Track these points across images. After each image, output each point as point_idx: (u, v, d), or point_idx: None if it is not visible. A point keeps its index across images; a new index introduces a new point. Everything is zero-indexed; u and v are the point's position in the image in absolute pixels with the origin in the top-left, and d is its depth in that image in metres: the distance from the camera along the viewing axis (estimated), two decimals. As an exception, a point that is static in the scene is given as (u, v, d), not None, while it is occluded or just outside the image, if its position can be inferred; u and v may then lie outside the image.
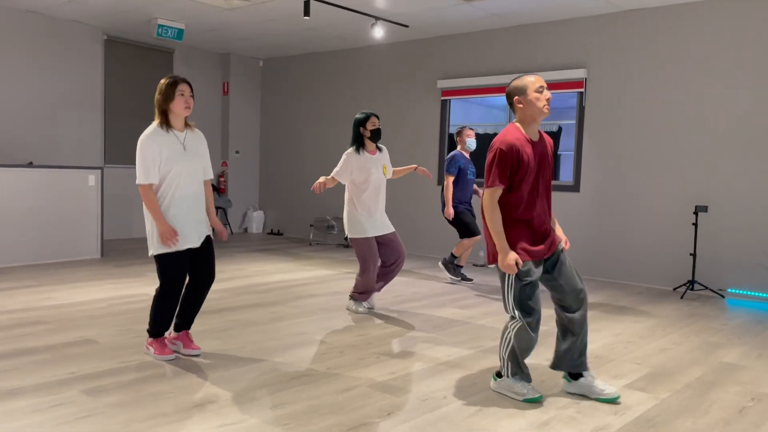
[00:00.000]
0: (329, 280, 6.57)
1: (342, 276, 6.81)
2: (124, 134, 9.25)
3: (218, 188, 10.60)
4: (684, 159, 6.65)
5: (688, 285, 6.32)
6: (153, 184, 3.57)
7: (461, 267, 6.70)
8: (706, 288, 6.31)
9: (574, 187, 7.42)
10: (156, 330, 3.75)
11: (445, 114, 8.60)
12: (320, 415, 2.95)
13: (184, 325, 3.84)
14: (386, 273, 5.13)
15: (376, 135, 5.00)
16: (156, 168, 3.56)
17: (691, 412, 3.15)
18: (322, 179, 4.77)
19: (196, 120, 10.19)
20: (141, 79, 9.54)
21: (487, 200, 3.14)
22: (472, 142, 6.52)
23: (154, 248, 3.61)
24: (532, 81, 3.17)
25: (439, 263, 6.80)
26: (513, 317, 3.19)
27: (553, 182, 7.38)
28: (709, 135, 6.50)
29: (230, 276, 6.58)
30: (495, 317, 5.09)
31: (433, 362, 3.84)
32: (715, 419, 3.07)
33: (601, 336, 4.61)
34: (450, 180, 6.32)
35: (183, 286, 3.68)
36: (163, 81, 3.62)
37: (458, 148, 6.54)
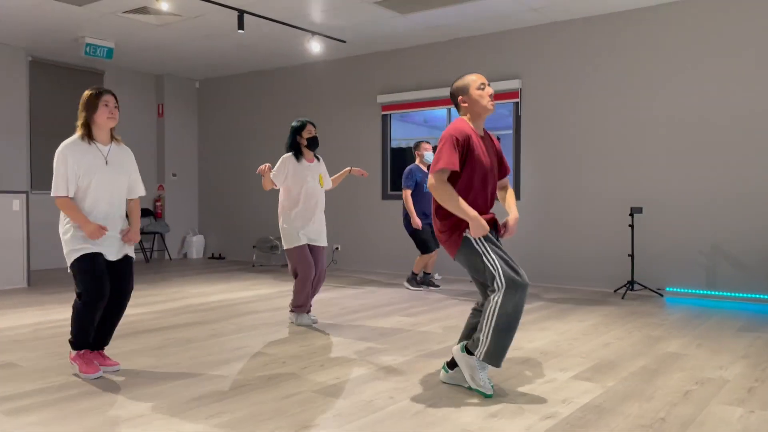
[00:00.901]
0: (272, 297, 6.39)
1: (285, 293, 6.64)
2: (51, 159, 8.85)
3: (155, 213, 10.26)
4: (618, 162, 6.83)
5: (627, 286, 6.43)
6: (68, 196, 3.43)
7: (429, 274, 6.92)
8: (646, 288, 6.44)
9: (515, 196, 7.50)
10: (79, 340, 3.51)
11: (386, 129, 8.61)
12: (261, 421, 2.80)
13: (99, 343, 3.61)
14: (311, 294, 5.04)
15: (312, 143, 4.94)
16: (72, 180, 3.43)
17: (637, 397, 3.15)
18: (265, 165, 4.72)
19: (130, 143, 9.88)
20: (69, 102, 9.19)
21: (435, 180, 3.08)
22: (429, 155, 6.65)
23: (70, 257, 3.43)
24: (473, 79, 3.25)
25: (404, 283, 6.94)
26: (495, 289, 3.05)
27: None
28: (641, 137, 6.70)
29: (168, 298, 6.32)
30: (440, 323, 5.04)
31: (378, 367, 3.74)
32: (661, 403, 3.07)
33: (546, 334, 4.61)
34: (408, 193, 6.48)
35: (104, 291, 3.41)
36: (87, 92, 3.53)
37: (416, 161, 6.69)
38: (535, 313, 5.49)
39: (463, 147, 3.14)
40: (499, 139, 10.58)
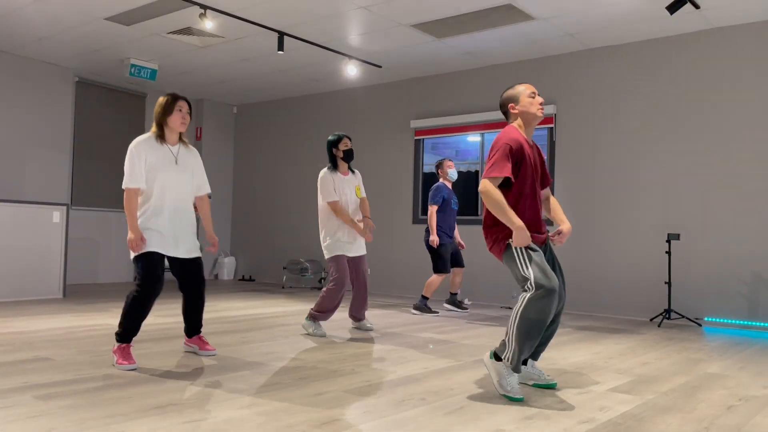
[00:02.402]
0: (302, 313, 6.38)
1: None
2: (92, 177, 9.10)
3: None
4: (655, 187, 6.73)
5: (664, 314, 6.26)
6: (139, 189, 3.64)
7: (456, 294, 6.80)
8: (683, 317, 6.26)
9: (547, 221, 7.43)
10: (124, 334, 3.65)
11: (419, 153, 8.66)
12: (290, 414, 2.76)
13: (192, 330, 4.03)
14: (358, 298, 5.17)
15: (348, 155, 5.06)
16: (142, 173, 3.64)
17: (678, 410, 3.03)
18: (354, 225, 4.95)
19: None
20: (112, 122, 9.49)
21: (486, 185, 3.10)
22: (453, 173, 6.67)
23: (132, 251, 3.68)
24: (523, 89, 3.33)
25: (412, 310, 6.69)
26: (526, 289, 3.07)
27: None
28: (679, 162, 6.61)
29: (199, 310, 6.35)
30: (472, 339, 4.96)
31: (410, 372, 3.68)
32: (703, 415, 2.96)
33: (581, 353, 4.50)
34: (434, 209, 6.44)
35: (155, 291, 3.61)
36: (163, 97, 3.78)
37: (440, 180, 6.68)
38: (567, 335, 5.38)
39: (517, 155, 3.17)
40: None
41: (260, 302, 7.29)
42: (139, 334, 4.76)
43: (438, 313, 6.61)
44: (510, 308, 7.31)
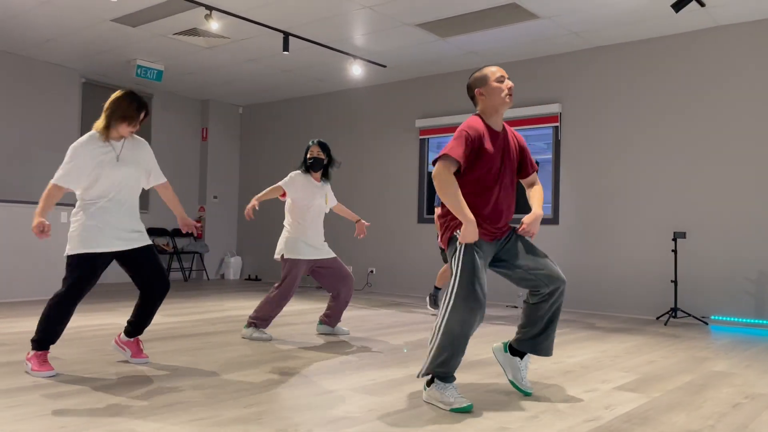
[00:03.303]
0: (307, 312, 6.40)
1: (320, 310, 6.64)
2: (99, 177, 9.13)
3: (195, 233, 10.42)
4: (660, 186, 6.72)
5: (670, 313, 6.25)
6: (63, 189, 3.44)
7: (439, 289, 6.67)
8: (689, 315, 6.24)
9: (553, 220, 7.43)
10: (41, 339, 3.40)
11: (424, 153, 8.66)
12: (296, 412, 2.78)
13: (135, 331, 3.69)
14: (337, 304, 4.90)
15: (313, 164, 4.80)
16: (76, 177, 3.44)
17: (684, 408, 3.04)
18: (252, 202, 4.61)
19: (174, 164, 10.20)
20: (119, 122, 9.51)
21: (439, 168, 2.88)
22: None
23: (68, 248, 3.44)
24: (492, 71, 3.06)
25: (428, 306, 6.62)
26: (449, 299, 2.85)
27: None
28: (684, 160, 6.59)
29: (205, 310, 6.38)
30: (478, 338, 4.96)
31: (415, 370, 3.69)
32: (709, 412, 2.96)
33: (586, 352, 4.50)
34: (439, 211, 6.37)
35: (80, 295, 3.39)
36: (120, 95, 3.56)
37: (435, 167, 6.62)
38: (573, 334, 5.38)
39: (474, 144, 2.93)
40: (537, 164, 10.53)
41: (266, 302, 7.30)
42: (146, 333, 4.78)
43: None
44: (515, 307, 7.31)
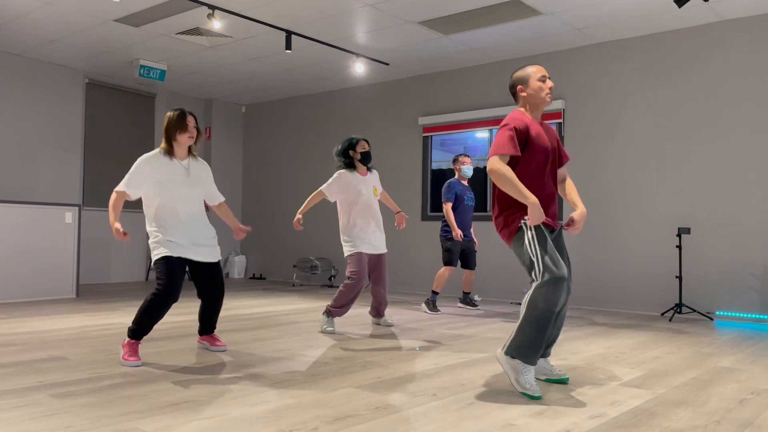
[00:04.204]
0: (312, 311, 6.41)
1: (323, 307, 6.64)
2: (103, 178, 9.17)
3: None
4: (665, 181, 6.71)
5: (675, 309, 6.24)
6: (128, 195, 3.78)
7: (468, 293, 6.66)
8: (694, 311, 6.23)
9: (558, 217, 7.42)
10: (136, 330, 3.74)
11: (427, 150, 8.66)
12: (302, 410, 2.79)
13: (205, 330, 4.16)
14: (378, 300, 5.22)
15: (365, 157, 5.07)
16: (140, 186, 3.78)
17: (689, 403, 3.03)
18: (297, 216, 4.97)
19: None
20: (122, 123, 9.55)
21: (494, 162, 3.06)
22: (468, 169, 6.59)
23: (154, 255, 3.76)
24: (534, 71, 3.25)
25: (422, 305, 6.60)
26: (533, 277, 3.05)
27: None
28: (689, 156, 6.58)
29: (210, 309, 6.39)
30: (482, 336, 4.97)
31: (421, 369, 3.70)
32: (715, 408, 2.96)
33: (592, 348, 4.50)
34: (449, 206, 6.39)
35: (173, 295, 3.68)
36: (171, 112, 3.88)
37: (456, 175, 6.64)
38: (578, 330, 5.37)
39: (522, 135, 3.12)
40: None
41: (271, 300, 7.33)
42: (153, 332, 4.81)
43: (440, 312, 6.52)
44: (519, 304, 7.30)
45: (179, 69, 8.72)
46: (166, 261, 3.69)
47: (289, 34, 6.97)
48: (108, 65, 8.60)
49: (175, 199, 3.79)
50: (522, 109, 3.29)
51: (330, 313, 5.01)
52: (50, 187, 8.66)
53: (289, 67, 8.54)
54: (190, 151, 3.96)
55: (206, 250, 3.88)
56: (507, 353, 3.14)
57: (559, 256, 3.10)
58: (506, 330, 5.29)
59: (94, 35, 7.35)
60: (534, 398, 3.03)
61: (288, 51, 7.07)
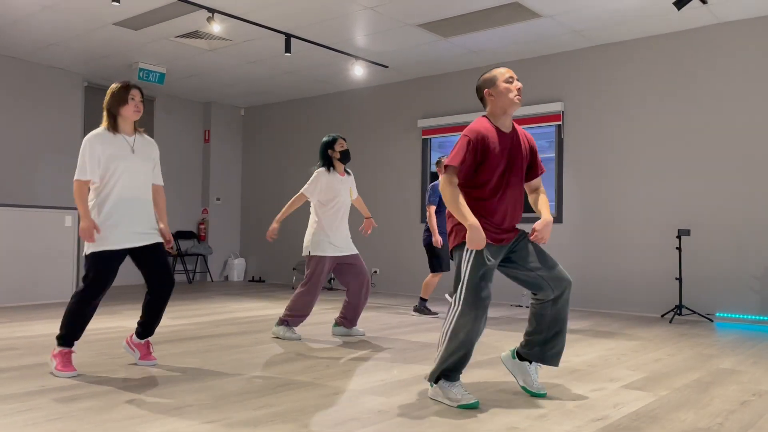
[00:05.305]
0: (314, 313, 6.41)
1: (327, 310, 6.65)
2: (103, 180, 9.15)
3: (198, 235, 10.46)
4: (664, 183, 6.72)
5: (675, 310, 6.25)
6: (90, 181, 3.51)
7: (425, 300, 6.53)
8: (694, 312, 6.24)
9: (557, 219, 7.43)
10: (65, 336, 3.50)
11: (426, 153, 8.67)
12: (305, 413, 2.79)
13: (145, 333, 3.74)
14: (356, 303, 4.91)
15: (345, 156, 4.97)
16: (95, 167, 3.50)
17: (692, 406, 3.04)
18: (273, 225, 4.86)
19: (177, 168, 10.23)
20: (121, 125, 9.53)
21: (442, 180, 2.96)
22: None
23: (87, 247, 3.50)
24: (501, 72, 3.07)
25: (411, 312, 6.59)
26: (457, 305, 2.91)
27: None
28: (688, 157, 6.60)
29: (211, 312, 6.39)
30: (485, 338, 4.97)
31: (423, 371, 3.70)
32: (717, 410, 2.96)
33: (593, 350, 4.50)
34: (432, 209, 6.30)
35: (103, 290, 3.48)
36: (114, 85, 3.63)
37: (440, 178, 6.53)
38: (579, 332, 5.38)
39: (476, 148, 2.96)
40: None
41: (271, 303, 7.32)
42: (155, 335, 4.80)
43: (438, 314, 6.46)
44: (519, 306, 7.32)
45: (178, 72, 8.73)
46: (99, 255, 3.45)
47: (288, 37, 6.98)
48: (107, 69, 8.60)
49: (119, 176, 3.52)
50: (487, 116, 3.10)
51: (287, 322, 4.80)
52: (50, 191, 8.65)
53: (289, 70, 8.54)
54: (135, 128, 3.70)
55: (146, 236, 3.59)
56: (433, 383, 3.03)
57: (489, 282, 2.93)
58: (507, 333, 5.30)
59: (93, 39, 7.35)
60: (471, 406, 2.90)
61: (287, 54, 7.08)
